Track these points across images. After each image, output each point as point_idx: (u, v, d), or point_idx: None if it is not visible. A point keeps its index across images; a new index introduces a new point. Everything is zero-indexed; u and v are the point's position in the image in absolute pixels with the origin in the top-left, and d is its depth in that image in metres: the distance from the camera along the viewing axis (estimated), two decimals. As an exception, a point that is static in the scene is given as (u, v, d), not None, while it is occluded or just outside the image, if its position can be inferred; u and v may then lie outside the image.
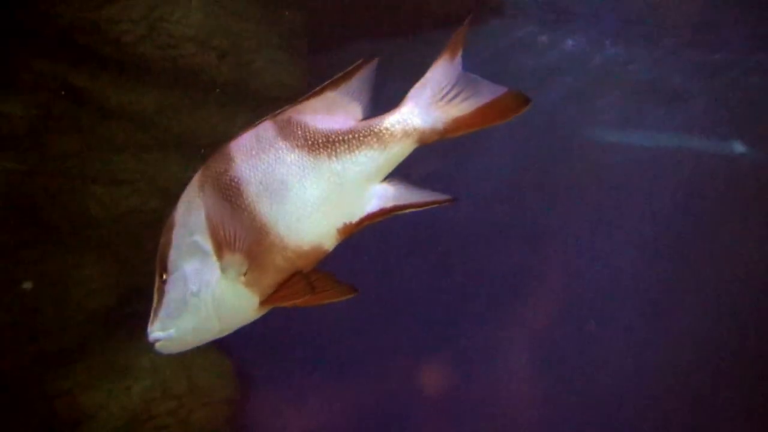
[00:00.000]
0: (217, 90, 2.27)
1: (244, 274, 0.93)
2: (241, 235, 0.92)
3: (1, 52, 1.92)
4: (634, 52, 3.37)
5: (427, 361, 3.14)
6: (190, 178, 0.98)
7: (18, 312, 2.04)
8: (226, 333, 0.97)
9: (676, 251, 3.60)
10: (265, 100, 2.39)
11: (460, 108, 0.93)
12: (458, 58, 0.93)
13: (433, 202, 0.93)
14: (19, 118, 1.97)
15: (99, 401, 2.13)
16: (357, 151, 0.94)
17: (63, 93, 2.02)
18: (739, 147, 4.12)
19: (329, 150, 0.93)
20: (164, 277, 0.95)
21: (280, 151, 0.94)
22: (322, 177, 0.93)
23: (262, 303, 0.95)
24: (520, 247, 3.50)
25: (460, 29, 0.94)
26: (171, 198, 1.00)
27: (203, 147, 2.26)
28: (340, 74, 0.96)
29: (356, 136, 0.94)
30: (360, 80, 0.96)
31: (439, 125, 0.93)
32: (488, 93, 0.93)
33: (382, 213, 0.94)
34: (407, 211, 0.94)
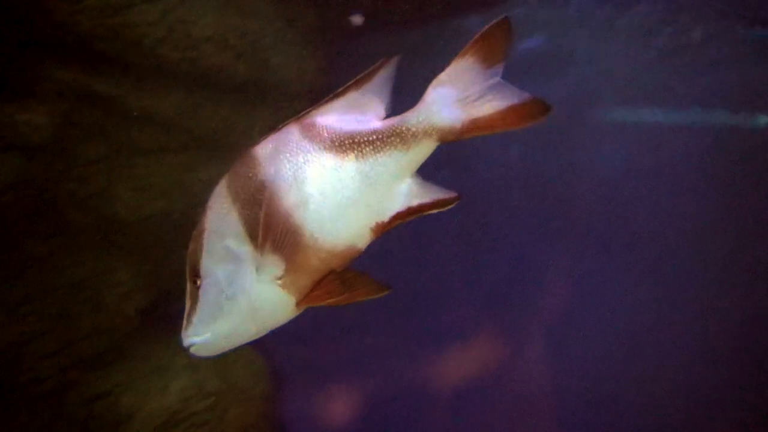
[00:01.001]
0: (236, 89, 2.28)
1: (280, 277, 0.94)
2: (277, 238, 0.93)
3: (23, 62, 1.94)
4: (657, 17, 3.28)
5: (458, 350, 3.14)
6: (214, 180, 0.99)
7: (54, 318, 2.08)
8: (261, 335, 0.99)
9: (700, 234, 3.52)
10: (285, 96, 2.40)
11: (481, 109, 0.93)
12: (483, 57, 0.93)
13: (449, 200, 0.94)
14: (43, 126, 2.00)
15: (137, 401, 2.16)
16: (382, 151, 0.94)
17: (86, 100, 2.05)
18: (765, 119, 4.02)
19: (356, 151, 0.94)
20: (197, 282, 0.96)
21: (308, 154, 0.94)
22: (351, 178, 0.94)
23: (298, 303, 0.96)
24: (531, 233, 3.47)
25: (488, 30, 0.92)
26: (196, 199, 1.01)
27: (226, 147, 2.28)
28: (362, 74, 0.97)
29: (380, 136, 0.95)
30: (381, 79, 0.97)
31: (458, 125, 0.93)
32: (511, 97, 0.93)
33: (412, 212, 0.95)
34: (435, 210, 0.95)
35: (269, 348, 2.52)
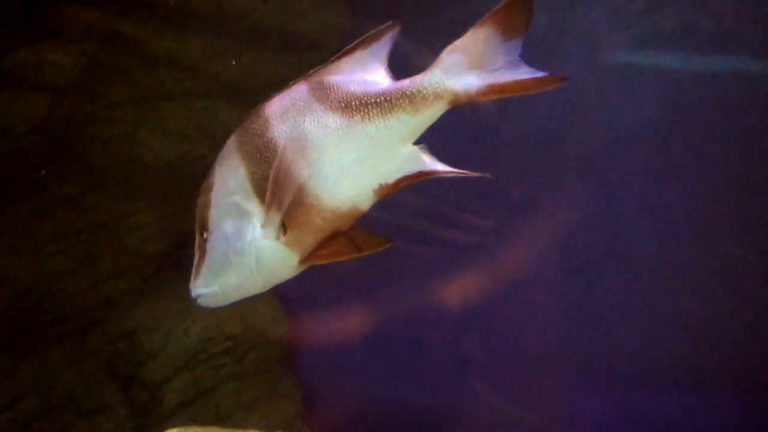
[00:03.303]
0: (261, 35, 2.25)
1: (284, 234, 0.95)
2: (281, 196, 0.94)
3: (51, 2, 1.92)
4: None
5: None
6: (235, 127, 1.00)
7: (79, 258, 2.12)
8: (267, 288, 1.01)
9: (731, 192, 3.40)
10: (309, 43, 2.37)
11: (495, 76, 0.92)
12: (503, 30, 0.91)
13: (466, 173, 0.94)
14: (69, 67, 1.99)
15: (159, 342, 2.22)
16: (390, 114, 0.94)
17: (111, 41, 2.03)
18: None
19: (362, 113, 0.94)
20: (204, 235, 0.98)
21: (314, 114, 0.94)
22: (356, 140, 0.94)
23: (302, 261, 0.98)
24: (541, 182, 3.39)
25: (510, 2, 0.90)
26: (218, 145, 1.02)
27: (249, 93, 2.27)
28: (370, 33, 0.96)
29: (388, 98, 0.94)
30: (387, 40, 0.96)
31: (473, 90, 0.92)
32: (526, 73, 0.92)
33: (420, 175, 0.95)
34: (442, 175, 0.95)
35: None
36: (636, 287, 3.16)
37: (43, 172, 2.05)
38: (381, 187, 0.95)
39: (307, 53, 2.35)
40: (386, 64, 0.97)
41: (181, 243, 2.33)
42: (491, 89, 0.92)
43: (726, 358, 3.03)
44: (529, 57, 0.94)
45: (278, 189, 0.93)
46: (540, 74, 0.92)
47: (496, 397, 3.10)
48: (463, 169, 0.95)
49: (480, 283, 3.03)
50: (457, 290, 3.02)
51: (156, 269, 2.30)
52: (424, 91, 0.93)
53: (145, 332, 2.23)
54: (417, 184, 0.96)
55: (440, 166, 0.95)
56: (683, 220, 3.15)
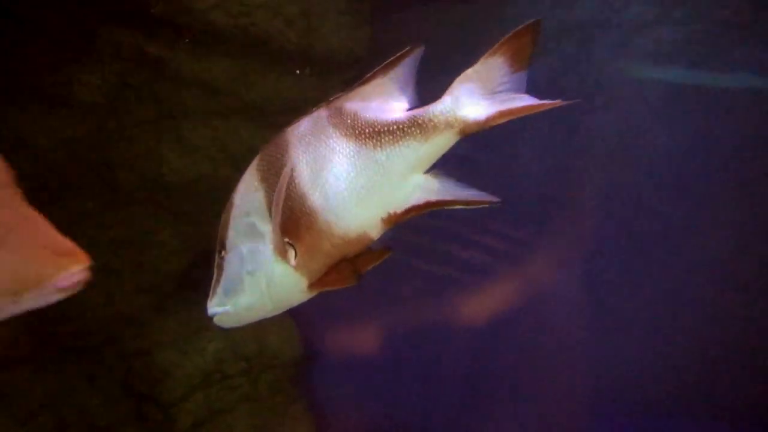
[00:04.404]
0: (285, 57, 2.28)
1: (294, 258, 0.96)
2: (293, 221, 0.95)
3: (84, 23, 1.96)
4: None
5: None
6: (259, 147, 1.02)
7: (99, 274, 2.12)
8: (278, 312, 1.02)
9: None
10: (332, 65, 2.39)
11: (503, 104, 0.94)
12: (511, 60, 0.93)
13: (479, 202, 0.94)
14: (97, 86, 2.03)
15: (174, 361, 2.22)
16: (401, 141, 0.95)
17: (138, 62, 2.06)
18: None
19: (375, 140, 0.95)
20: (222, 254, 1.00)
21: (330, 140, 0.96)
22: (367, 166, 0.95)
23: (310, 286, 0.98)
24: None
25: (520, 31, 0.92)
26: (241, 165, 1.03)
27: (272, 114, 2.29)
28: (390, 60, 0.97)
29: (401, 126, 0.95)
30: (407, 66, 0.97)
31: (482, 119, 0.93)
32: (529, 100, 0.94)
33: (427, 206, 0.95)
34: (452, 207, 0.95)
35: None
36: (653, 312, 3.14)
37: (67, 188, 2.07)
38: (390, 215, 0.96)
39: (329, 75, 2.37)
40: (410, 88, 0.98)
41: (200, 262, 2.33)
42: (500, 115, 0.93)
43: (745, 386, 3.00)
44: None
45: (276, 211, 0.95)
46: (544, 102, 0.93)
47: (510, 419, 3.07)
48: (474, 191, 0.95)
49: (495, 304, 3.01)
50: (472, 311, 3.01)
51: (174, 288, 2.30)
52: (435, 120, 0.94)
53: (161, 351, 2.23)
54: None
55: (449, 196, 0.95)
56: (703, 243, 3.14)
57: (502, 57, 0.93)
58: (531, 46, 0.93)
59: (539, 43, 0.93)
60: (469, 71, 0.94)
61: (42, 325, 2.07)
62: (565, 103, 0.92)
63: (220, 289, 1.00)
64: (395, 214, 0.96)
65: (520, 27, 0.92)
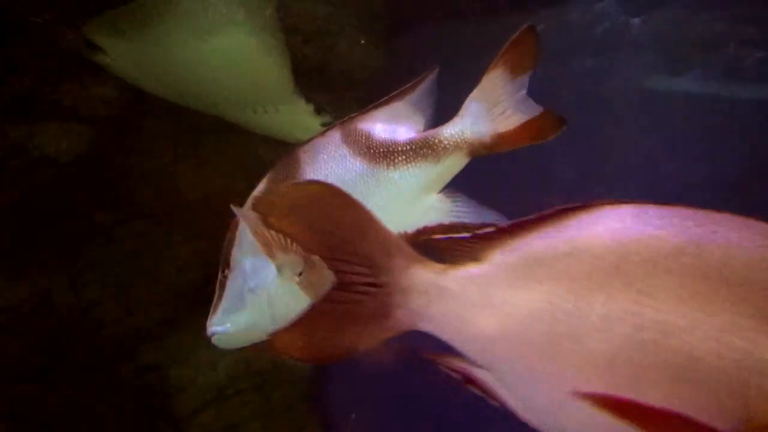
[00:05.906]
0: (301, 74, 2.29)
1: (299, 275, 0.95)
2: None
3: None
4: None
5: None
6: (273, 161, 1.01)
7: (113, 288, 2.13)
8: None
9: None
10: (347, 82, 2.40)
11: (505, 123, 0.94)
12: (511, 68, 0.93)
13: (491, 225, 0.93)
14: (114, 100, 2.04)
15: (188, 375, 2.21)
16: (413, 162, 0.96)
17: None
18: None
19: (388, 160, 0.96)
20: (226, 272, 1.00)
21: (343, 159, 0.97)
22: (380, 185, 0.96)
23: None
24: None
25: (515, 39, 0.92)
26: (255, 180, 1.03)
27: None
28: (406, 86, 0.99)
29: (413, 147, 0.96)
30: (423, 90, 0.99)
31: (487, 139, 0.94)
32: (529, 111, 0.94)
33: (441, 228, 0.96)
34: (461, 229, 0.94)
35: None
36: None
37: (83, 201, 2.08)
38: (402, 236, 0.95)
39: (345, 92, 2.38)
40: (426, 109, 0.99)
41: (214, 277, 2.33)
42: (501, 139, 0.94)
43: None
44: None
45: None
46: (539, 109, 0.93)
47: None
48: (486, 211, 0.95)
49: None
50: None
51: (188, 302, 2.30)
52: (446, 142, 0.95)
53: (174, 365, 2.23)
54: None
55: (462, 219, 0.95)
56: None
57: (502, 69, 0.93)
58: (532, 52, 0.93)
59: (541, 46, 0.93)
60: (475, 92, 0.95)
61: (56, 339, 2.08)
62: (557, 126, 0.92)
63: (221, 308, 1.00)
64: (407, 234, 0.96)
65: (514, 36, 0.92)
